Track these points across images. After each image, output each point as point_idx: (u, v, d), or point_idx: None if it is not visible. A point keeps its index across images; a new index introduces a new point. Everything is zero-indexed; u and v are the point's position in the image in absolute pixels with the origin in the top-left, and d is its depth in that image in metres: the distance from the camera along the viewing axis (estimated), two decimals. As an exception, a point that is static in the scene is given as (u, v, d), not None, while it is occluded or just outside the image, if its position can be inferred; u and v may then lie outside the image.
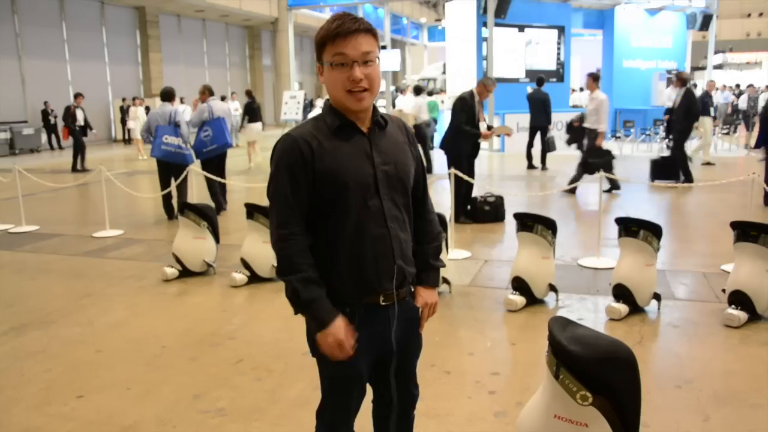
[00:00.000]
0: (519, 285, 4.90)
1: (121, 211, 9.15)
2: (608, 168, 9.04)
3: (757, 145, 9.24)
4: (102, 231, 7.80)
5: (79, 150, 14.37)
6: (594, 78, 9.80)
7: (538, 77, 13.49)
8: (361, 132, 2.00)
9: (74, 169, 14.24)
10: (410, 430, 2.39)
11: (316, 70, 2.01)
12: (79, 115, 14.50)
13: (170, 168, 8.19)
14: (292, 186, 1.93)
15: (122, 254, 6.84)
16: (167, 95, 8.44)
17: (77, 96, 15.08)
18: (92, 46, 22.64)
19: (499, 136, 12.98)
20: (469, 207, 7.91)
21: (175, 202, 8.22)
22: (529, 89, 14.08)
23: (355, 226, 1.96)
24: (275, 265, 2.00)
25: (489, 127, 8.04)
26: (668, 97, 14.69)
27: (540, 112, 12.76)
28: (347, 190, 1.93)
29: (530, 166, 13.02)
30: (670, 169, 10.26)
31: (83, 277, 6.01)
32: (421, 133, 12.40)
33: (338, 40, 1.89)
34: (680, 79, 13.11)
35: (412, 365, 2.26)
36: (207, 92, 8.78)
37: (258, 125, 14.66)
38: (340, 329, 1.93)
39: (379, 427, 2.35)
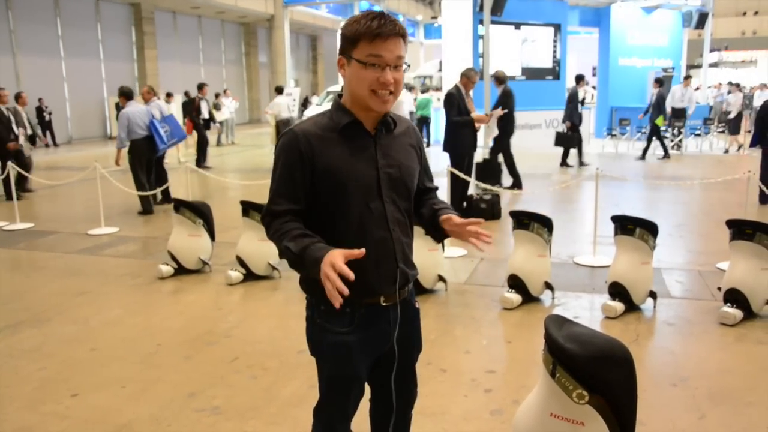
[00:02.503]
0: (515, 283, 4.90)
1: (116, 208, 9.11)
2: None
3: (752, 144, 9.24)
4: (97, 228, 7.77)
5: (204, 145, 13.71)
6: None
7: (577, 75, 13.57)
8: (367, 132, 1.97)
9: (199, 164, 13.04)
10: (408, 431, 2.38)
11: (339, 63, 1.96)
12: (204, 108, 13.99)
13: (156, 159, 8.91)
14: (290, 176, 1.93)
15: (117, 252, 6.82)
16: (131, 94, 8.92)
17: (201, 86, 14.48)
18: (87, 43, 22.53)
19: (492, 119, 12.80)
20: (465, 205, 7.91)
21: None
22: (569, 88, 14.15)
23: (356, 228, 1.94)
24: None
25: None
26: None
27: (567, 106, 12.92)
28: (347, 191, 1.91)
29: (564, 163, 13.06)
30: (493, 171, 9.62)
31: (78, 275, 5.99)
32: None
33: (377, 41, 1.85)
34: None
35: (412, 365, 2.25)
36: (151, 92, 9.37)
37: None
38: (333, 254, 1.75)
39: (377, 429, 2.34)
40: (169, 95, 16.56)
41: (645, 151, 13.95)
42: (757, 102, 18.45)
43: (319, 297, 1.95)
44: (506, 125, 9.86)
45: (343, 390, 2.10)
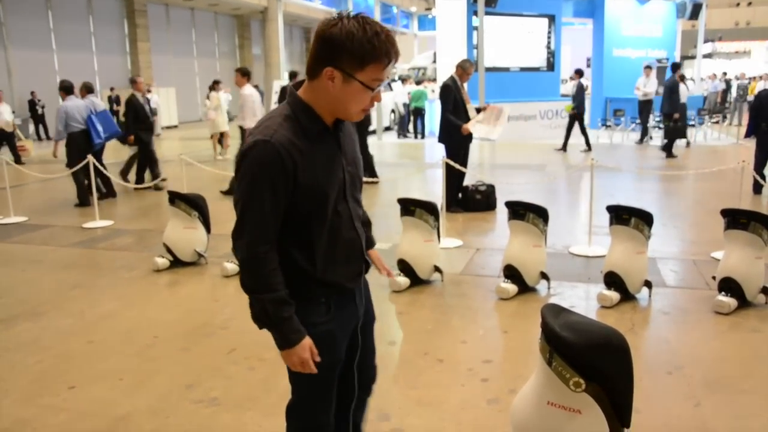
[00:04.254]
0: (511, 273, 4.91)
1: (110, 201, 9.08)
2: None
3: (747, 135, 9.28)
4: (92, 222, 7.75)
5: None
6: (242, 73, 9.35)
7: (673, 63, 13.52)
8: (331, 133, 1.92)
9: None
10: (364, 415, 2.42)
11: (325, 74, 1.78)
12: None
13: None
14: (271, 201, 1.80)
15: (112, 245, 6.80)
16: (70, 89, 9.10)
17: (293, 75, 13.86)
18: (79, 36, 22.41)
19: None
20: (460, 196, 7.91)
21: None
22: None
23: (328, 231, 1.94)
24: (242, 279, 1.92)
25: (478, 110, 8.00)
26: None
27: (666, 99, 12.73)
28: (327, 200, 1.89)
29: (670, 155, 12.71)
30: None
31: (73, 268, 5.98)
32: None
33: (387, 67, 1.78)
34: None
35: (372, 335, 2.31)
36: (85, 90, 9.47)
37: None
38: (305, 349, 1.91)
39: (337, 416, 2.30)
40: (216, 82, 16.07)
41: (643, 136, 14.03)
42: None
43: (293, 295, 1.92)
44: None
45: (326, 380, 2.09)
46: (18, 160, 12.96)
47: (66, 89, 9.07)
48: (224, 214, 7.39)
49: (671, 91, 12.66)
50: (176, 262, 5.81)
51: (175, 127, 23.87)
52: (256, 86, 14.60)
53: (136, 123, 9.85)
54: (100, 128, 9.01)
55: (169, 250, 5.79)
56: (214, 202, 8.57)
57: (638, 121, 14.89)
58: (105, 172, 8.67)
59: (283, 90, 12.72)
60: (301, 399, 2.15)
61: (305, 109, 1.85)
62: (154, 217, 8.15)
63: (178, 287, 5.38)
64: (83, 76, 22.14)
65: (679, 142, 12.76)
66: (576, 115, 13.59)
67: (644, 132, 14.98)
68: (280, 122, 1.82)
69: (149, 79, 24.12)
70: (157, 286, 5.42)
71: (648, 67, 15.12)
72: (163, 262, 5.76)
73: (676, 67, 13.25)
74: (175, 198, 5.87)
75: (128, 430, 3.13)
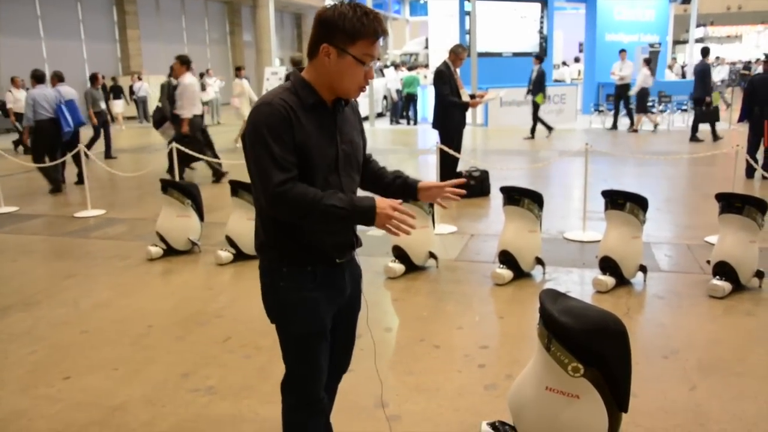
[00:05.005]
0: (506, 259, 4.91)
1: (103, 190, 9.02)
2: (198, 158, 8.72)
3: (740, 119, 9.29)
4: (83, 211, 7.69)
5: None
6: (182, 61, 9.13)
7: (703, 48, 13.40)
8: (328, 110, 2.04)
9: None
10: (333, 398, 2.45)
11: (322, 50, 1.94)
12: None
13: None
14: (279, 147, 1.90)
15: (105, 234, 6.75)
16: (41, 77, 9.34)
17: (297, 62, 13.01)
18: (67, 23, 22.14)
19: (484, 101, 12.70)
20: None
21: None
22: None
23: None
24: (286, 216, 1.96)
25: (472, 96, 7.99)
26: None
27: (698, 83, 12.67)
28: (314, 168, 1.98)
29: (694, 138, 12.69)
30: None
31: (66, 258, 5.94)
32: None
33: (377, 42, 1.95)
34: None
35: (354, 325, 2.35)
36: (56, 78, 9.71)
37: None
38: (384, 204, 1.95)
39: None
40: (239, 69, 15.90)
41: (630, 121, 14.09)
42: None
43: (281, 257, 2.06)
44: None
45: (314, 348, 2.13)
46: (109, 151, 12.85)
47: (37, 78, 9.22)
48: (217, 202, 7.37)
49: (703, 75, 12.64)
50: (170, 251, 5.78)
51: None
52: (239, 71, 14.56)
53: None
54: (69, 117, 9.11)
55: (163, 239, 5.76)
56: (208, 189, 8.55)
57: (632, 106, 14.86)
58: (93, 157, 8.60)
59: (288, 76, 12.68)
60: (292, 373, 2.19)
61: (304, 85, 2.00)
62: (147, 205, 8.10)
63: (172, 276, 5.36)
64: (72, 64, 22.04)
65: (702, 126, 12.71)
66: (534, 102, 13.62)
67: (617, 117, 14.98)
68: (280, 92, 1.98)
69: (139, 67, 23.93)
70: (150, 275, 5.39)
71: (623, 51, 15.10)
72: (156, 250, 5.73)
73: (706, 52, 13.20)
74: (168, 186, 5.83)
75: (124, 419, 3.11)
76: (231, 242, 5.57)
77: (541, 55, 14.19)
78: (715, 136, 12.55)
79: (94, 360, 3.77)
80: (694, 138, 12.58)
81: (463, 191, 2.28)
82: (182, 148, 7.62)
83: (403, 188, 2.31)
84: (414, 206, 5.02)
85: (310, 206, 1.90)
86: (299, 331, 2.11)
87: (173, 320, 4.35)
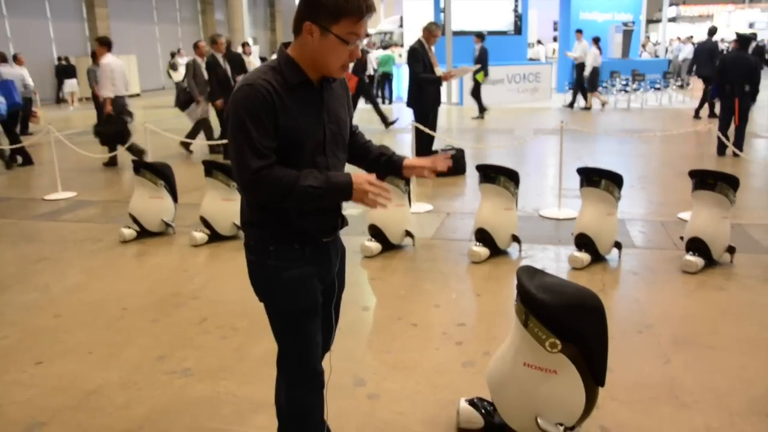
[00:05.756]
0: (482, 236, 4.92)
1: (73, 172, 8.83)
2: (122, 139, 8.72)
3: (712, 97, 9.39)
4: (54, 193, 7.54)
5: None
6: (101, 43, 9.08)
7: (710, 27, 13.40)
8: (315, 89, 1.99)
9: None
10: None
11: (305, 28, 1.89)
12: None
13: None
14: (259, 131, 1.86)
15: (76, 216, 6.63)
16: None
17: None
18: (32, 1, 21.52)
19: (458, 77, 12.61)
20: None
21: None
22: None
23: None
24: (265, 200, 1.94)
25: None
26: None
27: (707, 62, 12.60)
28: (301, 148, 1.95)
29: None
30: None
31: (36, 241, 5.82)
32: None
33: (362, 21, 1.89)
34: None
35: (338, 300, 2.35)
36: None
37: None
38: (360, 180, 1.93)
39: None
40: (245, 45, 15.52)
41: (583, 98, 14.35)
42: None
43: (267, 236, 2.03)
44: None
45: (307, 324, 2.11)
46: (25, 129, 12.50)
47: None
48: (191, 182, 7.27)
49: (711, 54, 12.68)
50: (143, 233, 5.69)
51: (138, 95, 23.25)
52: (245, 48, 14.22)
53: (221, 86, 9.38)
54: (2, 99, 9.01)
55: (136, 221, 5.67)
56: (181, 170, 8.42)
57: (605, 84, 14.94)
58: (63, 138, 8.41)
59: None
60: (287, 351, 2.17)
61: (289, 62, 1.94)
62: (119, 187, 7.97)
63: (146, 258, 5.28)
64: (38, 44, 21.49)
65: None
66: (475, 80, 13.65)
67: (576, 95, 15.09)
68: (264, 71, 1.92)
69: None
70: (124, 257, 5.31)
71: (579, 31, 15.20)
72: (129, 232, 5.63)
73: (713, 31, 13.26)
74: (140, 167, 5.72)
75: (99, 403, 3.07)
76: (206, 223, 5.50)
77: (482, 34, 14.15)
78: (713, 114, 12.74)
79: (68, 344, 3.71)
80: (697, 116, 12.70)
81: (449, 162, 2.24)
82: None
83: (388, 166, 2.29)
84: (390, 184, 5.00)
85: (286, 189, 1.88)
86: (291, 309, 2.09)
87: (148, 302, 4.29)
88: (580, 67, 14.79)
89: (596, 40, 14.59)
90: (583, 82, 14.72)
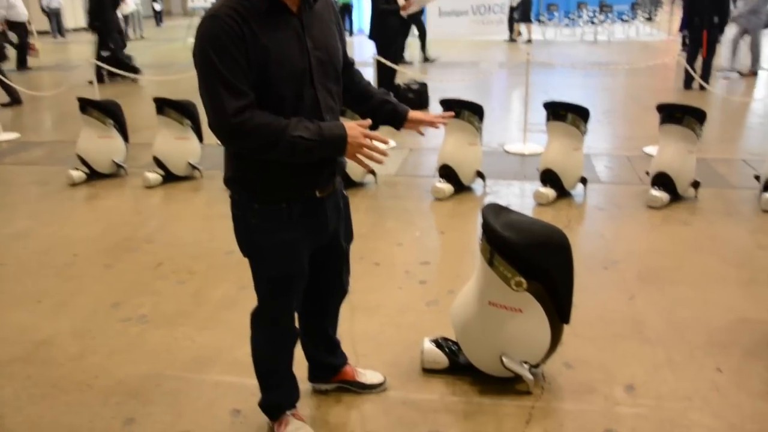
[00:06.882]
0: (446, 173, 4.82)
1: (15, 111, 8.39)
2: None
3: (681, 29, 9.28)
4: (-4, 135, 7.16)
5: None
6: None
7: None
8: (292, 13, 1.77)
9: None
10: (336, 323, 2.44)
11: None
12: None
13: None
14: (229, 67, 1.65)
15: (20, 159, 6.30)
16: None
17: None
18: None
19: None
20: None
21: None
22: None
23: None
24: (253, 150, 1.77)
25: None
26: None
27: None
28: (281, 81, 1.74)
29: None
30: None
31: (-21, 185, 5.53)
32: None
33: None
34: None
35: (346, 254, 2.24)
36: None
37: None
38: (354, 132, 1.80)
39: (308, 321, 2.32)
40: None
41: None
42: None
43: (252, 194, 1.89)
44: None
45: (287, 288, 2.03)
46: (23, 63, 11.81)
47: None
48: (143, 121, 6.96)
49: None
50: (93, 175, 5.43)
51: (84, 29, 22.16)
52: None
53: None
54: None
55: (84, 162, 5.40)
56: (131, 107, 8.06)
57: (572, 15, 14.70)
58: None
59: None
60: (263, 306, 2.10)
61: None
62: (65, 127, 7.58)
63: (97, 201, 5.05)
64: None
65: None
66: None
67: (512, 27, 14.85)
68: (228, 1, 1.69)
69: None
70: (73, 201, 5.07)
71: None
72: (78, 175, 5.37)
73: None
74: (86, 105, 5.41)
75: (50, 354, 2.93)
76: (159, 163, 5.26)
77: None
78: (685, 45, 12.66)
79: (15, 294, 3.53)
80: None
81: (452, 113, 2.22)
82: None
83: (392, 115, 2.17)
84: (350, 120, 4.82)
85: (273, 139, 1.69)
86: (272, 273, 1.99)
87: (100, 248, 4.11)
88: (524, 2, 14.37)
89: None
90: (511, 14, 14.39)
